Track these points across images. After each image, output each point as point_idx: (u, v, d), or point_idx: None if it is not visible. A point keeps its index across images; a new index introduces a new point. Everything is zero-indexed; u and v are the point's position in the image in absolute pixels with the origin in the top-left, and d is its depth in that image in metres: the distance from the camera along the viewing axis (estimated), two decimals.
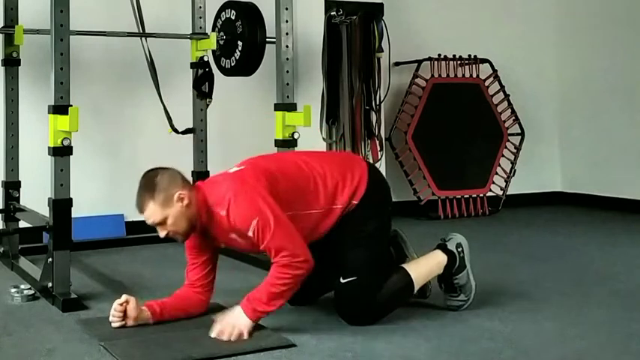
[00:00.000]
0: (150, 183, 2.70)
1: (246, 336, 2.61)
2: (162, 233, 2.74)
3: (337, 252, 2.91)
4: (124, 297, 2.79)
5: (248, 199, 2.64)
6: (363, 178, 2.89)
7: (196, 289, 2.89)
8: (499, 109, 6.11)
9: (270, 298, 2.63)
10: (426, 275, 2.96)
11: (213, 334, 2.63)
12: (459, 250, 2.99)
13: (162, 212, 2.68)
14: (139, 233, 4.57)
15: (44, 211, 3.41)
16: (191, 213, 2.71)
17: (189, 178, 4.43)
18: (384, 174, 5.52)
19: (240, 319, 2.63)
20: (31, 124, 4.25)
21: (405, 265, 2.95)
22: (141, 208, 2.72)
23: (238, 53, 4.40)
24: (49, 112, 3.22)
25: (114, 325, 2.76)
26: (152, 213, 2.69)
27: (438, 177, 5.77)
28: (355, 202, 2.85)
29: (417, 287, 2.92)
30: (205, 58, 4.47)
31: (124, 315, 2.76)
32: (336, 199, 2.84)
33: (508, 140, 6.12)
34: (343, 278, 2.84)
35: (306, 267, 2.64)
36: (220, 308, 2.89)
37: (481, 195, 5.95)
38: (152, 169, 2.77)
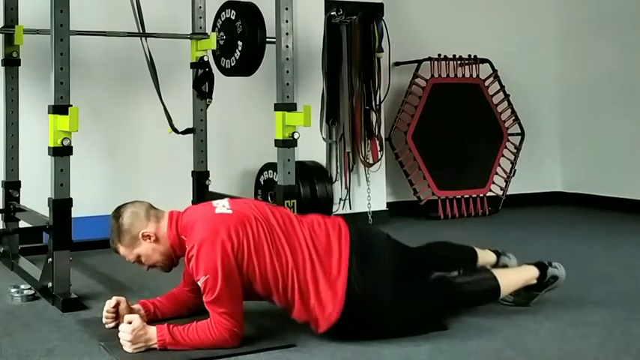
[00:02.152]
0: (115, 225, 2.71)
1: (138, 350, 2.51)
2: (143, 268, 2.77)
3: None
4: (113, 299, 2.80)
5: (208, 254, 2.51)
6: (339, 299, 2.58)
7: (190, 292, 2.90)
8: (499, 109, 6.10)
9: (191, 339, 2.50)
10: (513, 286, 2.95)
11: (123, 338, 2.51)
12: (552, 281, 2.99)
13: (133, 252, 2.71)
14: None
15: (44, 211, 3.41)
16: (164, 247, 2.67)
17: (189, 179, 4.52)
18: (384, 174, 5.68)
19: (152, 339, 2.51)
20: (31, 124, 4.25)
21: (496, 272, 2.94)
22: (115, 251, 2.76)
23: (238, 53, 4.40)
24: (49, 112, 3.23)
25: (107, 326, 2.78)
26: (125, 254, 2.74)
27: (438, 177, 5.76)
28: (336, 316, 2.57)
29: (503, 294, 2.90)
30: (205, 58, 4.47)
31: (117, 316, 2.78)
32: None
33: (508, 140, 6.11)
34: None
35: (236, 340, 2.52)
36: None
37: (481, 195, 5.95)
38: (118, 208, 2.76)
